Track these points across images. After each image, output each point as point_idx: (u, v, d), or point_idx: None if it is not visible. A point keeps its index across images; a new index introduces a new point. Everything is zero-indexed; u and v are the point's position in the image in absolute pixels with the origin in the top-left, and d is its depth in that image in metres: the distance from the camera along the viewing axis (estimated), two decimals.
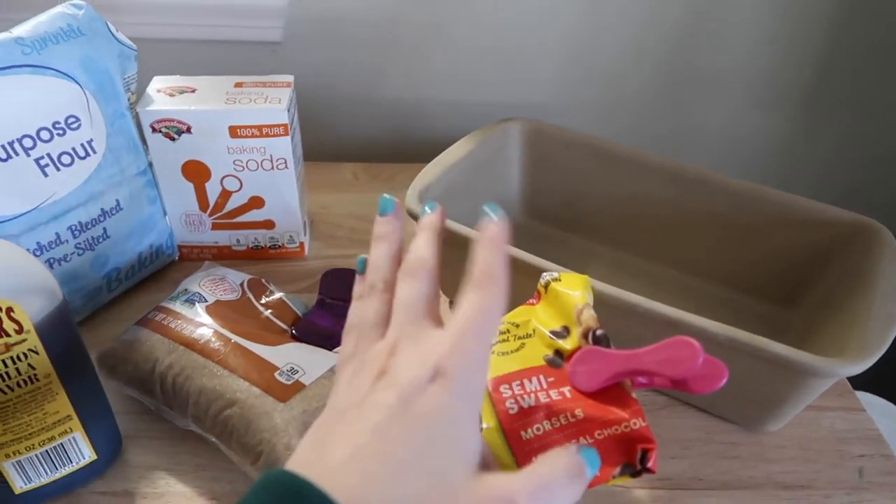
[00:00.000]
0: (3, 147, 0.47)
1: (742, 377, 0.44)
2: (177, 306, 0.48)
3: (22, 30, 0.49)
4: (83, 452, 0.41)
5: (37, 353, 0.37)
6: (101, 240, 0.53)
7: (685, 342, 0.34)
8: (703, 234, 0.59)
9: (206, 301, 0.49)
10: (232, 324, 0.47)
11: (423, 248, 0.33)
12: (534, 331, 0.41)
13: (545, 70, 0.78)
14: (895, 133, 0.83)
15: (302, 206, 0.61)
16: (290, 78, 0.59)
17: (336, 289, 0.53)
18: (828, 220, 0.53)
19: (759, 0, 0.73)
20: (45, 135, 0.49)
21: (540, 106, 0.80)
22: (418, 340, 0.28)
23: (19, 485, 0.40)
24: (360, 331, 0.31)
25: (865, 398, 0.75)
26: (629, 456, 0.34)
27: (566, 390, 0.37)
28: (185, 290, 0.50)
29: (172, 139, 0.55)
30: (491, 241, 0.31)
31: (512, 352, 0.40)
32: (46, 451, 0.40)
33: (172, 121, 0.54)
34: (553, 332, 0.40)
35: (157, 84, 0.57)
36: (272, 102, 0.55)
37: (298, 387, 0.43)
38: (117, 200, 0.54)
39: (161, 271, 0.60)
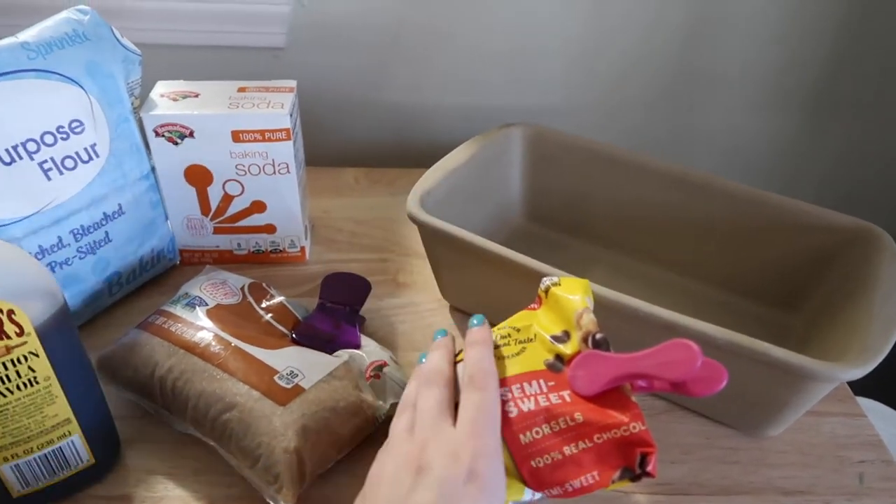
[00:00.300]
0: (8, 151, 0.47)
1: (742, 381, 0.44)
2: (177, 310, 0.48)
3: (27, 35, 0.49)
4: (82, 456, 0.41)
5: (37, 355, 0.37)
6: (102, 244, 0.53)
7: (683, 345, 0.34)
8: (704, 238, 0.59)
9: (206, 305, 0.49)
10: (232, 327, 0.47)
11: (438, 360, 0.39)
12: (535, 335, 0.41)
13: (548, 73, 0.79)
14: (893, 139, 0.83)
15: (303, 210, 0.61)
16: (292, 83, 0.59)
17: (337, 293, 0.54)
18: (829, 225, 0.53)
19: (763, 3, 0.73)
20: (48, 139, 0.49)
21: (543, 109, 0.81)
22: (442, 440, 0.34)
23: (17, 488, 0.40)
24: (393, 437, 0.37)
25: (866, 404, 0.75)
26: (628, 460, 0.34)
27: (566, 394, 0.37)
28: (186, 293, 0.50)
29: (175, 143, 0.55)
30: (478, 342, 0.39)
31: (513, 356, 0.40)
32: (45, 454, 0.40)
33: (175, 125, 0.55)
34: (554, 337, 0.40)
35: (161, 89, 0.58)
36: (275, 107, 0.55)
37: (298, 391, 0.43)
38: (119, 204, 0.54)
39: (162, 275, 0.60)
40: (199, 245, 0.61)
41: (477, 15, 0.74)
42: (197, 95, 0.56)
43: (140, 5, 0.71)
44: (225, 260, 0.62)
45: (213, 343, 0.45)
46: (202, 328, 0.47)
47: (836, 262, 0.53)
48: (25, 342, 0.36)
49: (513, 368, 0.39)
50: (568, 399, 0.37)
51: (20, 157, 0.48)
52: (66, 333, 0.39)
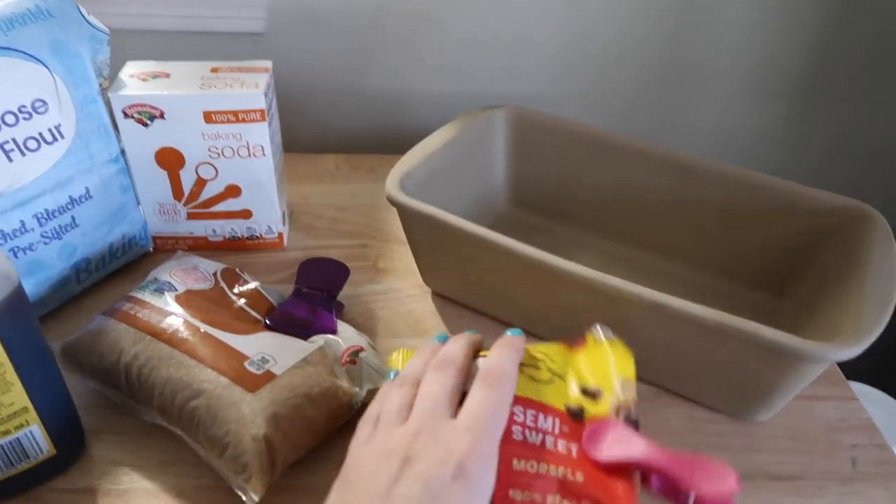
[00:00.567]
0: None
1: (731, 365, 0.43)
2: (145, 295, 0.46)
3: None
4: (41, 447, 0.39)
5: None
6: (68, 229, 0.51)
7: (723, 468, 0.33)
8: (692, 222, 0.57)
9: (176, 290, 0.47)
10: (202, 313, 0.45)
11: (457, 347, 0.37)
12: (566, 375, 0.39)
13: (535, 61, 0.77)
14: (890, 123, 0.82)
15: (280, 195, 0.59)
16: (268, 63, 0.57)
17: (313, 278, 0.52)
18: (820, 206, 0.52)
19: None
20: (10, 119, 0.47)
21: (529, 98, 0.79)
22: (438, 432, 0.31)
23: None
24: (384, 414, 0.34)
25: (858, 388, 0.74)
26: None
27: (574, 448, 0.36)
28: (155, 279, 0.48)
29: (145, 125, 0.53)
30: (508, 344, 0.36)
31: (541, 381, 0.38)
32: (1, 445, 0.38)
33: (145, 106, 0.53)
34: (585, 389, 0.38)
35: (131, 69, 0.56)
36: (249, 87, 0.53)
37: (269, 377, 0.41)
38: (87, 188, 0.52)
39: (135, 263, 0.58)
40: (172, 231, 0.59)
41: (462, 1, 0.73)
42: (168, 76, 0.54)
43: None
44: (200, 247, 0.60)
45: (182, 329, 0.43)
46: (170, 314, 0.45)
47: (827, 244, 0.51)
48: None
49: (535, 393, 0.38)
50: (574, 455, 0.35)
51: None
52: (22, 318, 0.37)
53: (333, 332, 0.47)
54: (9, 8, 0.48)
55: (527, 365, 0.39)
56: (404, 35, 0.75)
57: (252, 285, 0.50)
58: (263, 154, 0.55)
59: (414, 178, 0.52)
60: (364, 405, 0.44)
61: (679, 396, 0.48)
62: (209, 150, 0.55)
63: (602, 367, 0.39)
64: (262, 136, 0.54)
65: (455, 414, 0.33)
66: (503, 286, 0.50)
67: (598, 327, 0.41)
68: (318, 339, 0.46)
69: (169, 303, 0.46)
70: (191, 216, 0.58)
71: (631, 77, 0.78)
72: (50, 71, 0.49)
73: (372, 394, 0.44)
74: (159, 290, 0.47)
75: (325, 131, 0.81)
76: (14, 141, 0.47)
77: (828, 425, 0.46)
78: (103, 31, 0.53)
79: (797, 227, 0.53)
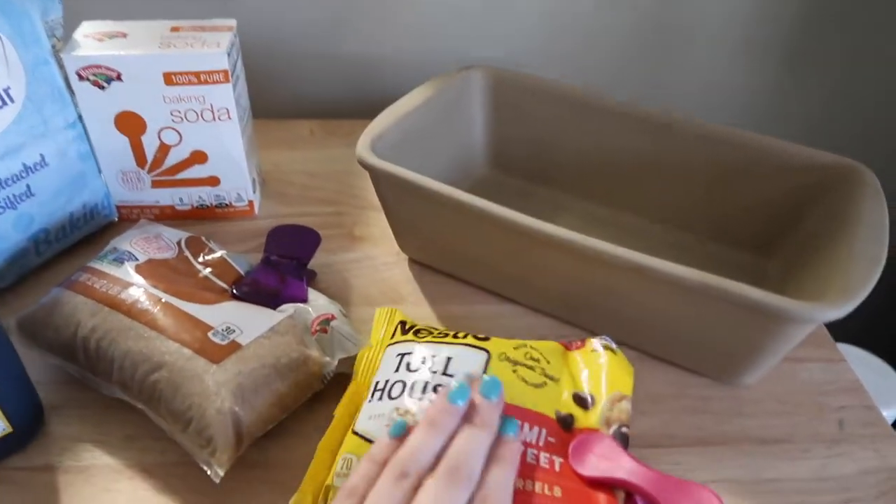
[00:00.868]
0: None
1: (716, 327, 0.41)
2: (103, 266, 0.44)
3: None
4: None
5: None
6: (23, 198, 0.49)
7: (711, 495, 0.32)
8: (677, 183, 0.55)
9: (136, 260, 0.45)
10: (165, 283, 0.43)
11: (474, 457, 0.31)
12: (560, 378, 0.39)
13: (517, 23, 0.74)
14: (882, 81, 0.80)
15: (249, 160, 0.57)
16: (232, 22, 0.54)
17: (283, 246, 0.50)
18: (809, 164, 0.50)
19: None
20: None
21: (511, 60, 0.76)
22: None
23: None
24: None
25: (847, 350, 0.73)
26: None
27: (558, 461, 0.35)
28: (114, 248, 0.46)
29: (102, 88, 0.51)
30: (504, 461, 0.32)
31: (533, 385, 0.38)
32: None
33: (100, 67, 0.50)
34: (577, 396, 0.38)
35: (86, 29, 0.53)
36: (210, 46, 0.50)
37: (234, 347, 0.39)
38: (42, 155, 0.49)
39: (98, 233, 0.56)
40: (137, 200, 0.57)
41: None
42: (125, 35, 0.52)
43: None
44: (167, 216, 0.58)
45: (142, 300, 0.41)
46: (130, 284, 0.42)
47: (817, 203, 0.50)
48: None
49: (526, 399, 0.37)
50: (558, 468, 0.35)
51: None
52: None
53: (304, 300, 0.45)
54: None
55: (521, 364, 0.38)
56: None
57: (218, 254, 0.48)
58: (229, 117, 0.53)
59: (386, 141, 0.50)
60: (337, 376, 0.43)
61: (663, 361, 0.47)
62: (171, 113, 0.52)
63: (597, 376, 0.39)
64: (226, 98, 0.52)
65: None
66: (482, 252, 0.48)
67: (603, 337, 0.41)
68: (288, 308, 0.44)
69: (129, 273, 0.43)
70: (156, 184, 0.56)
71: (618, 36, 0.76)
72: None
73: (344, 363, 0.42)
74: (118, 260, 0.44)
75: (299, 96, 0.78)
76: None
77: (814, 388, 0.45)
78: None
79: (785, 185, 0.51)
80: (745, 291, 0.38)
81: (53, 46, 0.50)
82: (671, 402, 0.44)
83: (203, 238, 0.49)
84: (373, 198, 0.61)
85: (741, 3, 0.73)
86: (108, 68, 0.50)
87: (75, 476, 0.38)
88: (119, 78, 0.50)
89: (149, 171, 0.55)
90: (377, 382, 0.38)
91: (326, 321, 0.43)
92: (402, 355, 0.39)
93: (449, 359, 0.38)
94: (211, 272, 0.46)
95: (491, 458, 0.31)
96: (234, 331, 0.40)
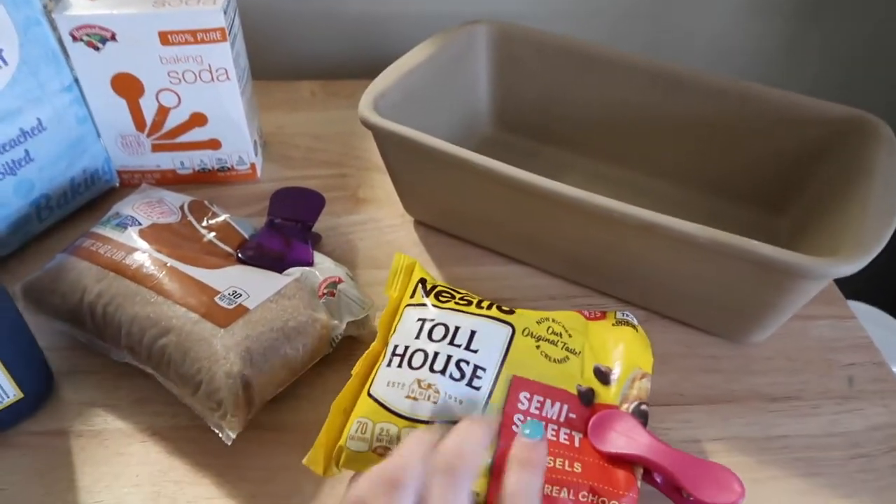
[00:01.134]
0: None
1: (726, 285, 0.41)
2: (107, 231, 0.44)
3: None
4: (6, 391, 0.37)
5: None
6: (23, 163, 0.48)
7: (729, 475, 0.33)
8: (686, 139, 0.54)
9: (140, 225, 0.44)
10: (169, 248, 0.43)
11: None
12: (581, 351, 0.39)
13: None
14: (888, 30, 0.78)
15: (251, 122, 0.56)
16: None
17: (287, 209, 0.49)
18: (820, 116, 0.49)
19: None
20: None
21: (515, 16, 0.74)
22: None
23: None
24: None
25: (857, 307, 0.72)
26: None
27: (578, 437, 0.35)
28: (117, 213, 0.46)
29: (97, 49, 0.49)
30: (527, 464, 0.31)
31: (554, 360, 0.38)
32: None
33: (94, 27, 0.48)
34: (598, 370, 0.38)
35: None
36: (206, 4, 0.49)
37: (241, 311, 0.39)
38: (39, 119, 0.48)
39: (100, 199, 0.55)
40: (138, 165, 0.56)
41: None
42: None
43: None
44: (168, 180, 0.57)
45: (147, 264, 0.41)
46: (134, 249, 0.42)
47: (828, 157, 0.49)
48: None
49: (548, 375, 0.37)
50: (577, 444, 0.35)
51: None
52: None
53: (309, 263, 0.45)
54: None
55: (544, 339, 0.38)
56: None
57: (222, 218, 0.47)
58: (228, 78, 0.51)
59: (389, 99, 0.49)
60: (345, 339, 0.42)
61: (672, 320, 0.46)
62: (169, 74, 0.51)
63: (618, 352, 0.39)
64: (224, 57, 0.50)
65: None
66: (487, 212, 0.48)
67: (624, 311, 0.41)
68: (294, 272, 0.43)
69: (133, 238, 0.43)
70: (156, 148, 0.55)
71: None
72: None
73: (351, 327, 0.42)
74: (122, 225, 0.44)
75: (298, 56, 0.76)
76: None
77: (824, 345, 0.45)
78: None
79: (796, 139, 0.50)
80: (756, 248, 0.37)
81: (45, 6, 0.49)
82: (681, 361, 0.44)
83: (206, 202, 0.49)
84: (377, 159, 0.60)
85: None
86: (101, 28, 0.48)
87: (88, 440, 0.39)
88: (114, 38, 0.49)
89: (148, 135, 0.54)
90: (395, 346, 0.38)
91: (333, 284, 0.43)
92: (423, 321, 0.38)
93: (473, 332, 0.38)
94: (215, 236, 0.46)
95: (519, 462, 0.31)
96: (240, 295, 0.40)
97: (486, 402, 0.35)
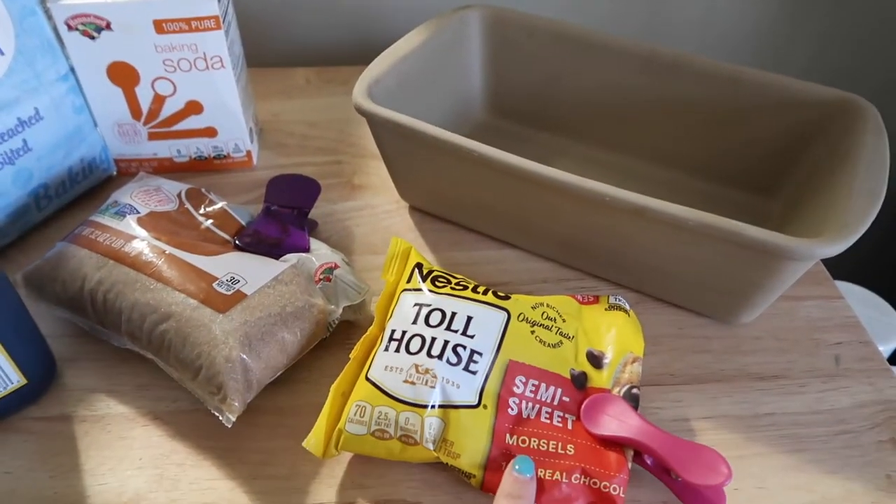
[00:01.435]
0: None
1: (714, 267, 0.42)
2: (105, 219, 0.44)
3: None
4: (10, 377, 0.38)
5: None
6: (21, 153, 0.49)
7: (717, 457, 0.33)
8: (677, 123, 0.55)
9: (138, 213, 0.45)
10: (167, 235, 0.43)
11: None
12: (575, 335, 0.40)
13: None
14: (881, 14, 0.78)
15: (246, 110, 0.56)
16: None
17: (283, 196, 0.50)
18: (809, 99, 0.49)
19: None
20: None
21: (508, 1, 0.74)
22: None
23: None
24: None
25: (845, 287, 0.73)
26: None
27: (571, 419, 0.37)
28: (115, 201, 0.46)
29: (92, 38, 0.50)
30: (516, 498, 0.33)
31: (548, 345, 0.39)
32: None
33: (89, 16, 0.49)
34: (591, 354, 0.39)
35: None
36: None
37: (239, 297, 0.40)
38: (36, 109, 0.49)
39: (98, 188, 0.56)
40: (135, 153, 0.56)
41: None
42: None
43: None
44: (165, 168, 0.57)
45: (146, 252, 0.42)
46: (133, 237, 0.43)
47: (818, 140, 0.49)
48: None
49: (542, 359, 0.38)
50: (570, 426, 0.36)
51: None
52: None
53: (306, 250, 0.46)
54: None
55: (539, 325, 0.39)
56: None
57: (219, 205, 0.48)
58: (222, 66, 0.52)
59: (383, 86, 0.49)
60: (341, 323, 0.43)
61: (663, 302, 0.47)
62: (164, 63, 0.51)
63: (610, 334, 0.40)
64: (219, 45, 0.51)
65: None
66: (481, 198, 0.48)
67: (617, 296, 0.42)
68: (291, 258, 0.44)
69: (131, 226, 0.44)
70: (152, 136, 0.55)
71: None
72: None
73: (348, 311, 0.43)
74: (120, 213, 0.45)
75: (294, 43, 0.76)
76: None
77: (812, 325, 0.46)
78: None
79: (786, 122, 0.51)
80: (743, 230, 0.38)
81: None
82: (672, 342, 0.45)
83: (203, 190, 0.49)
84: (372, 146, 0.61)
85: None
86: (96, 17, 0.49)
87: (91, 425, 0.40)
88: (109, 27, 0.49)
89: (145, 123, 0.55)
90: (392, 331, 0.39)
91: (329, 270, 0.44)
92: (420, 306, 0.39)
93: (469, 318, 0.38)
94: (212, 224, 0.46)
95: (508, 495, 0.33)
96: (238, 281, 0.41)
97: (483, 387, 0.36)
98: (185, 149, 0.56)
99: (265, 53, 0.75)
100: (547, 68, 0.58)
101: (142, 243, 0.42)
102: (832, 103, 0.49)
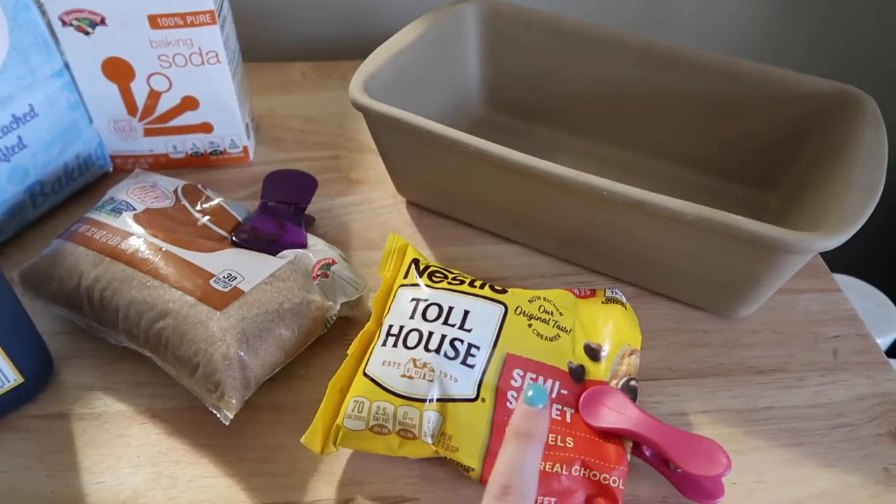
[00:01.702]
0: None
1: (712, 261, 0.42)
2: (101, 216, 0.44)
3: None
4: (6, 375, 0.38)
5: None
6: (16, 150, 0.48)
7: (716, 448, 0.33)
8: (675, 116, 0.55)
9: (134, 209, 0.45)
10: (164, 232, 0.43)
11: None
12: (572, 328, 0.40)
13: None
14: (878, 3, 0.78)
15: (242, 105, 0.56)
16: None
17: (280, 191, 0.49)
18: (807, 92, 0.49)
19: None
20: None
21: None
22: None
23: None
24: None
25: (843, 280, 0.74)
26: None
27: (570, 412, 0.36)
28: (111, 198, 0.46)
29: (86, 33, 0.49)
30: (524, 436, 0.28)
31: (546, 338, 0.39)
32: None
33: (83, 11, 0.48)
34: (588, 347, 0.39)
35: None
36: None
37: (236, 294, 0.40)
38: (30, 105, 0.49)
39: (94, 184, 0.56)
40: (131, 150, 0.56)
41: None
42: None
43: None
44: (162, 165, 0.57)
45: (142, 249, 0.42)
46: (130, 234, 0.43)
47: (816, 132, 0.49)
48: None
49: (540, 352, 0.38)
50: (569, 419, 0.36)
51: None
52: None
53: (303, 245, 0.45)
54: None
55: (536, 318, 0.39)
56: None
57: (216, 201, 0.48)
58: (218, 61, 0.51)
59: (379, 80, 0.49)
60: (339, 319, 0.43)
61: (661, 296, 0.47)
62: (159, 58, 0.51)
63: (608, 329, 0.40)
64: (214, 40, 0.50)
65: None
66: (479, 192, 0.48)
67: (614, 290, 0.42)
68: (288, 254, 0.44)
69: (127, 222, 0.43)
70: (148, 132, 0.55)
71: None
72: None
73: (345, 307, 0.43)
74: (116, 210, 0.44)
75: (289, 38, 0.76)
76: None
77: (810, 318, 0.46)
78: None
79: (784, 115, 0.50)
80: (741, 223, 0.38)
81: None
82: (670, 336, 0.45)
83: (199, 186, 0.49)
84: (369, 140, 0.60)
85: None
86: (91, 12, 0.48)
87: (89, 423, 0.40)
88: (103, 22, 0.49)
89: (140, 119, 0.54)
90: (390, 326, 0.39)
91: (327, 266, 0.44)
92: (417, 301, 0.39)
93: (467, 312, 0.38)
94: (209, 220, 0.46)
95: (517, 433, 0.28)
96: (235, 277, 0.41)
97: (481, 380, 0.36)
98: (181, 145, 0.56)
99: (261, 48, 0.74)
100: (544, 62, 0.58)
101: (138, 240, 0.42)
102: (830, 96, 0.49)
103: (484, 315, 0.39)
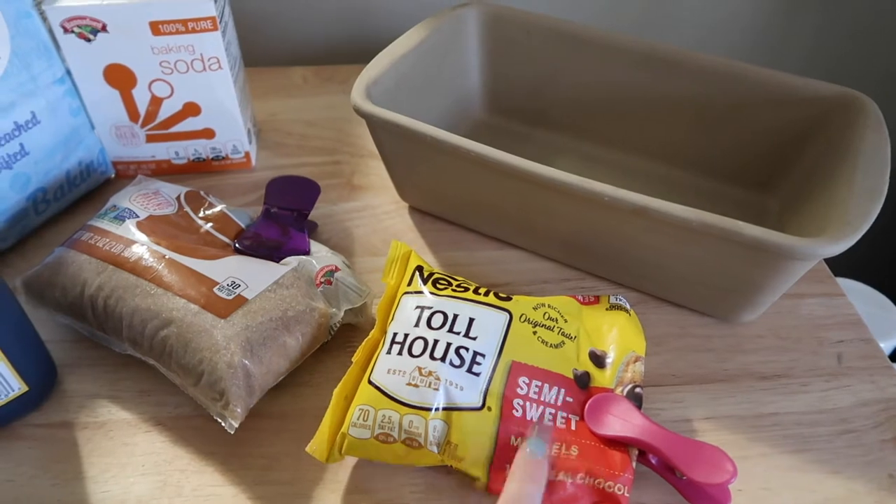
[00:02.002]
0: None
1: (716, 266, 0.42)
2: (104, 224, 0.44)
3: None
4: (11, 384, 0.38)
5: None
6: (18, 157, 0.48)
7: (722, 455, 0.33)
8: (676, 120, 0.55)
9: (137, 217, 0.45)
10: (167, 239, 0.43)
11: None
12: (577, 335, 0.40)
13: None
14: (878, 6, 0.78)
15: (244, 111, 0.56)
16: None
17: (283, 198, 0.49)
18: (809, 95, 0.49)
19: None
20: None
21: None
22: None
23: None
24: None
25: (848, 284, 0.73)
26: None
27: (574, 420, 0.36)
28: (114, 206, 0.46)
29: (88, 40, 0.49)
30: (528, 480, 0.32)
31: (551, 345, 0.39)
32: None
33: (85, 18, 0.48)
34: (593, 354, 0.39)
35: None
36: None
37: (240, 301, 0.40)
38: (32, 112, 0.49)
39: (96, 191, 0.56)
40: (133, 156, 0.56)
41: None
42: None
43: None
44: (164, 171, 0.57)
45: (146, 256, 0.41)
46: (133, 242, 0.42)
47: (817, 136, 0.49)
48: None
49: (545, 360, 0.38)
50: (574, 427, 0.36)
51: None
52: None
53: (306, 252, 0.45)
54: None
55: (541, 325, 0.39)
56: None
57: (218, 208, 0.48)
58: (220, 67, 0.51)
59: (381, 86, 0.49)
60: (343, 326, 0.43)
61: (665, 301, 0.47)
62: (161, 64, 0.51)
63: (612, 333, 0.40)
64: (216, 46, 0.50)
65: None
66: (481, 198, 0.48)
67: (618, 296, 0.42)
68: (291, 261, 0.44)
69: (130, 230, 0.43)
70: (150, 138, 0.55)
71: None
72: None
73: (349, 314, 0.43)
74: (119, 218, 0.44)
75: (290, 42, 0.76)
76: None
77: (814, 323, 0.46)
78: None
79: (784, 119, 0.50)
80: (745, 229, 0.38)
81: None
82: (674, 342, 0.45)
83: (202, 192, 0.49)
84: (371, 145, 0.60)
85: None
86: (92, 19, 0.48)
87: (93, 431, 0.39)
88: (105, 29, 0.49)
89: (142, 126, 0.54)
90: (395, 334, 0.39)
91: (330, 273, 0.44)
92: (422, 309, 0.39)
93: (472, 319, 0.38)
94: (212, 227, 0.46)
95: (520, 476, 0.32)
96: (239, 285, 0.41)
97: (487, 389, 0.36)
98: (183, 151, 0.56)
99: (262, 53, 0.74)
100: (545, 66, 0.58)
101: (141, 248, 0.42)
102: (832, 99, 0.48)
103: (489, 323, 0.39)
